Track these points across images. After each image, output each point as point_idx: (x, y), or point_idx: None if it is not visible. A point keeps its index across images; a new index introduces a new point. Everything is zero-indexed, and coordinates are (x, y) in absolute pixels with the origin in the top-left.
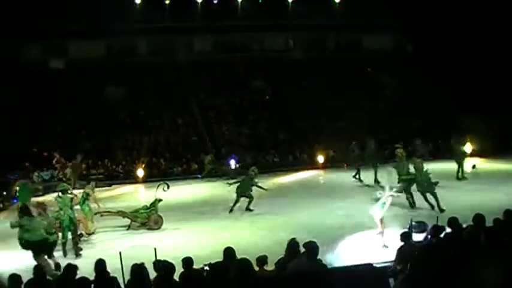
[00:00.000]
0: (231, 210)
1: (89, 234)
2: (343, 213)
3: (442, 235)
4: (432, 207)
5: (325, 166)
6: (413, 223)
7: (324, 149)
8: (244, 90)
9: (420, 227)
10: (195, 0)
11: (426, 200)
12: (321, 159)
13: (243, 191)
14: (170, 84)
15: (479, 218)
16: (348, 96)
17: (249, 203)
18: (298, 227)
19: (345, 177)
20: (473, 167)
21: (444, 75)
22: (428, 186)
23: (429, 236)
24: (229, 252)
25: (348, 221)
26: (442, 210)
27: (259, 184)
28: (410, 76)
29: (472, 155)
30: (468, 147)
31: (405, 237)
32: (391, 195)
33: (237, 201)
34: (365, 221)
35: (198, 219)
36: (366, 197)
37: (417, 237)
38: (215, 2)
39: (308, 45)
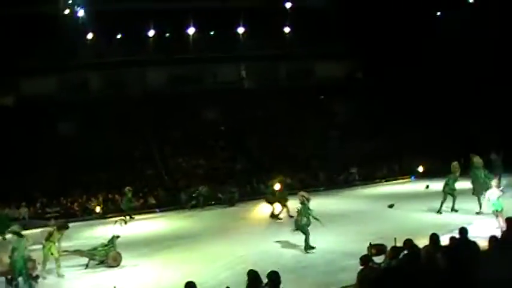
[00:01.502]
0: None
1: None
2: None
3: (400, 256)
4: None
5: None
6: (372, 246)
7: (280, 177)
8: (199, 121)
9: (379, 249)
10: (147, 34)
11: None
12: (277, 187)
13: None
14: (124, 118)
15: (435, 237)
16: (302, 123)
17: None
18: (259, 258)
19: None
20: (427, 187)
21: (394, 99)
22: None
23: (388, 258)
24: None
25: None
26: None
27: None
28: (361, 102)
29: (425, 175)
30: (421, 168)
31: (364, 260)
32: None
33: None
34: (323, 247)
35: (158, 254)
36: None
37: (377, 259)
38: (167, 35)
39: (260, 75)
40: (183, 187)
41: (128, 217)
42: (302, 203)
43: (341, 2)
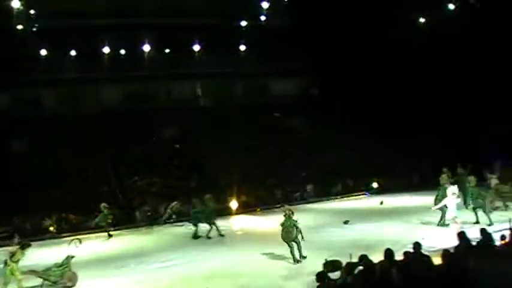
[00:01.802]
0: None
1: None
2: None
3: (355, 272)
4: None
5: (238, 212)
6: (328, 262)
7: (237, 194)
8: (154, 139)
9: (334, 265)
10: (102, 51)
11: None
12: (234, 204)
13: None
14: (79, 135)
15: (389, 253)
16: (258, 140)
17: None
18: (214, 275)
19: (258, 222)
20: (381, 203)
21: (349, 116)
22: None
23: (344, 274)
24: None
25: (265, 265)
26: None
27: None
28: (316, 118)
29: (379, 191)
30: (375, 184)
31: (320, 277)
32: None
33: None
34: (277, 263)
35: (113, 274)
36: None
37: (333, 275)
38: (122, 51)
39: (216, 92)
40: (137, 205)
41: (107, 234)
42: (288, 216)
43: (296, 20)
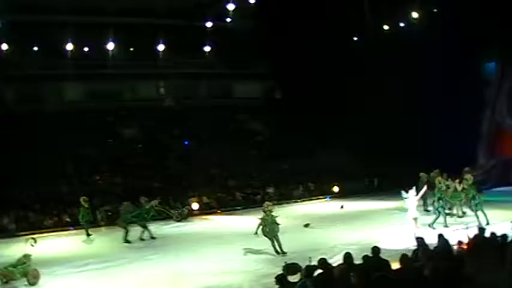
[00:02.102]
0: None
1: None
2: (219, 259)
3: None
4: None
5: (199, 213)
6: (287, 265)
7: (199, 196)
8: (117, 138)
9: (294, 268)
10: (65, 48)
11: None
12: (195, 206)
13: None
14: (40, 133)
15: (348, 256)
16: (221, 142)
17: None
18: (173, 279)
19: (217, 224)
20: (342, 207)
21: (312, 120)
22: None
23: (303, 278)
24: None
25: (227, 267)
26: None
27: None
28: (279, 121)
29: (340, 195)
30: (336, 189)
31: (280, 280)
32: None
33: None
34: (238, 266)
35: (71, 274)
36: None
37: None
38: (86, 49)
39: (180, 92)
40: (98, 205)
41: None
42: (269, 211)
43: (262, 22)
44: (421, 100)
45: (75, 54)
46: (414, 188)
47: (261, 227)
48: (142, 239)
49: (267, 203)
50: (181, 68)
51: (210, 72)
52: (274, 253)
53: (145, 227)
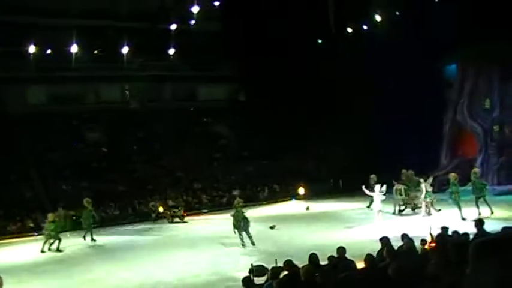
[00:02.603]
0: None
1: None
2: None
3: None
4: None
5: (165, 217)
6: (254, 267)
7: (164, 199)
8: (81, 142)
9: (260, 270)
10: (27, 50)
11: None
12: (161, 209)
13: None
14: (2, 137)
15: (313, 257)
16: (186, 145)
17: None
18: (139, 282)
19: (185, 226)
20: (307, 208)
21: (276, 123)
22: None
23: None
24: None
25: (192, 269)
26: None
27: None
28: (244, 124)
29: (305, 197)
30: (301, 190)
31: (247, 283)
32: None
33: None
34: (204, 267)
35: (37, 280)
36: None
37: (259, 280)
38: (48, 52)
39: (144, 95)
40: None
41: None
42: (240, 207)
43: (226, 25)
44: (384, 102)
45: (38, 56)
46: (378, 186)
47: (232, 222)
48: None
49: (238, 199)
50: (146, 70)
51: (175, 75)
52: (240, 256)
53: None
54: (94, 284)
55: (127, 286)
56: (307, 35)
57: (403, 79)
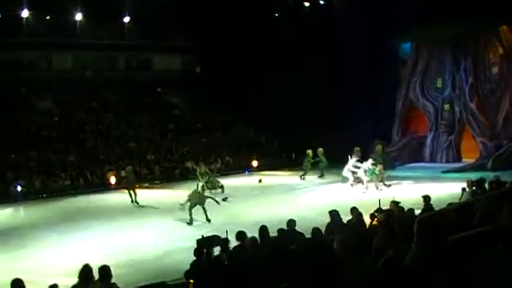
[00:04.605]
0: None
1: None
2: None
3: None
4: None
5: (117, 187)
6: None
7: (115, 170)
8: (32, 111)
9: (210, 241)
10: None
11: None
12: (112, 180)
13: None
14: None
15: (263, 229)
16: (139, 116)
17: None
18: (94, 253)
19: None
20: (260, 181)
21: (231, 95)
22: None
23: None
24: None
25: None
26: None
27: None
28: (198, 95)
29: (258, 169)
30: (255, 163)
31: (197, 253)
32: None
33: None
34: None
35: None
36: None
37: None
38: None
39: (98, 64)
40: (11, 180)
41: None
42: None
43: None
44: (340, 78)
45: None
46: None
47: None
48: None
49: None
50: (100, 38)
51: (129, 44)
52: (190, 228)
53: None
54: (40, 253)
55: (78, 257)
56: (263, 7)
57: (358, 55)
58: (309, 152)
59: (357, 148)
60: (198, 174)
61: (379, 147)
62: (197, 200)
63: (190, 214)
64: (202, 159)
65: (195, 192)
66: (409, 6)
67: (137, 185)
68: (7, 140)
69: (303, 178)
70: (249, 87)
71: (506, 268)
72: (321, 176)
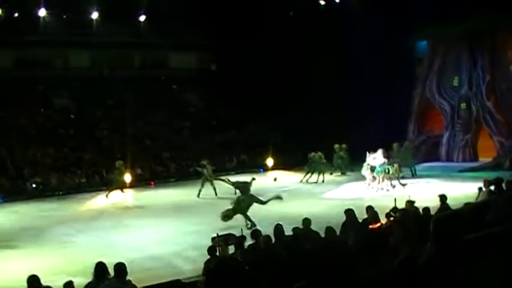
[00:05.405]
0: None
1: None
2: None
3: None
4: None
5: (132, 185)
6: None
7: (131, 167)
8: (48, 108)
9: (225, 240)
10: None
11: None
12: (128, 178)
13: None
14: None
15: (278, 228)
16: (154, 114)
17: None
18: (107, 250)
19: (152, 195)
20: (275, 179)
21: (246, 93)
22: None
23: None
24: None
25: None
26: None
27: None
28: (214, 94)
29: (274, 168)
30: (270, 161)
31: (211, 251)
32: None
33: None
34: (171, 237)
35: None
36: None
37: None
38: (16, 15)
39: (114, 62)
40: (29, 176)
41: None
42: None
43: None
44: (357, 77)
45: (4, 19)
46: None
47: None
48: None
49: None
50: (116, 37)
51: (145, 42)
52: (207, 225)
53: None
54: (57, 250)
55: (92, 253)
56: (280, 6)
57: (374, 53)
58: (337, 146)
59: (382, 149)
60: (206, 175)
61: (407, 144)
62: (246, 203)
63: (249, 219)
64: (207, 160)
65: (238, 201)
66: (425, 3)
67: (152, 183)
68: (24, 137)
69: (332, 174)
70: (265, 85)
71: None
72: (343, 173)
